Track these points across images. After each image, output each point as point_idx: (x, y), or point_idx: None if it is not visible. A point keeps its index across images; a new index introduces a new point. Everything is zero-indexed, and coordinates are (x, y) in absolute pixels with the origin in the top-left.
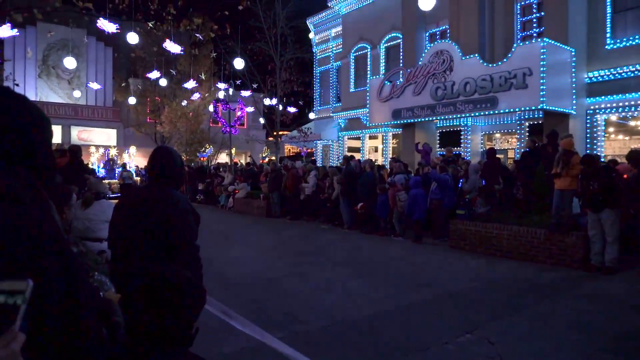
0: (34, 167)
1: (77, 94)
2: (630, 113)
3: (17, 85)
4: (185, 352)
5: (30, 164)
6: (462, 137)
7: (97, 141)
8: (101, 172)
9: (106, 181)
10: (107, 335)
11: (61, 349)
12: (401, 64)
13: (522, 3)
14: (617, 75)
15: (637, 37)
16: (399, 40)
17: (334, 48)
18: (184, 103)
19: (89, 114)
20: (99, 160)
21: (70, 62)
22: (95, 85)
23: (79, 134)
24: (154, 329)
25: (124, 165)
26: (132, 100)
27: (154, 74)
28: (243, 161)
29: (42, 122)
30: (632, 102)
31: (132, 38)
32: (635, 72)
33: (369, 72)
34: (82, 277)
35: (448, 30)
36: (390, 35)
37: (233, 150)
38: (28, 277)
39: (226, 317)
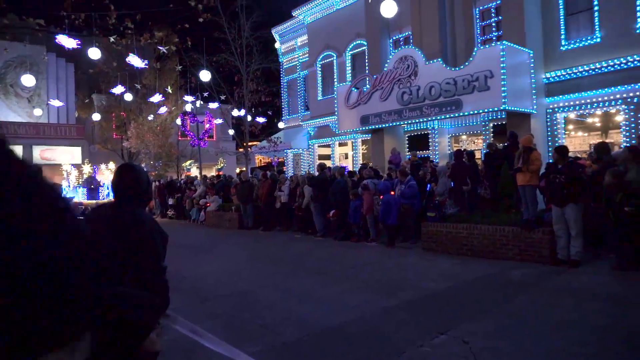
0: None
1: (37, 112)
2: (587, 111)
3: None
4: None
5: None
6: (430, 140)
7: (61, 160)
8: (80, 193)
9: (92, 202)
10: None
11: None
12: (367, 71)
13: (481, 8)
14: (572, 75)
15: (589, 37)
16: (364, 48)
17: (300, 57)
18: (151, 117)
19: (52, 133)
20: (77, 180)
21: (28, 80)
22: (56, 103)
23: (42, 154)
24: (111, 352)
25: None
26: (96, 117)
27: (118, 89)
28: (213, 173)
29: None
30: (588, 100)
31: (94, 53)
32: (589, 72)
33: (335, 80)
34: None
35: (411, 37)
36: (355, 43)
37: (188, 163)
38: None
39: (196, 336)
